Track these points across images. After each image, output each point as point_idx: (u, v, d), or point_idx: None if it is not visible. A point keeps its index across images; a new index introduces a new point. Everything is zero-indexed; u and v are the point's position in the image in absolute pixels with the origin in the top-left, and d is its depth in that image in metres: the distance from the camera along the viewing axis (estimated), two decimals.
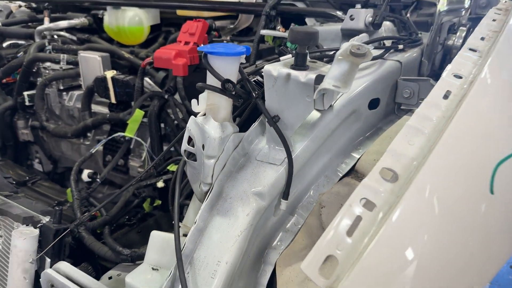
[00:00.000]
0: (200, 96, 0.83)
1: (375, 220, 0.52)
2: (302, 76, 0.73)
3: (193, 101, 0.82)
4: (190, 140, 0.86)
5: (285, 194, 0.83)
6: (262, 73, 0.79)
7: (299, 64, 0.75)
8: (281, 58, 0.85)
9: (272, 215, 0.85)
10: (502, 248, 0.54)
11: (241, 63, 0.81)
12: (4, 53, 1.87)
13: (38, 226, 0.92)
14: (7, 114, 1.87)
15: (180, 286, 0.76)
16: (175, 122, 1.41)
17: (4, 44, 2.01)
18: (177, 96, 1.39)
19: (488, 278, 0.52)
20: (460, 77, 0.77)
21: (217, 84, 0.78)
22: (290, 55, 0.84)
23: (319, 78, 0.73)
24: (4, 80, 1.88)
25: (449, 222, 0.53)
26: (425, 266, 0.49)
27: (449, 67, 0.80)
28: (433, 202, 0.53)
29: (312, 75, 0.72)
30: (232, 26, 1.62)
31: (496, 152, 0.59)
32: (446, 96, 0.72)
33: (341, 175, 0.92)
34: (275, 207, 0.84)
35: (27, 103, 1.76)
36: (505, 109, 0.68)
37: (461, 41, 1.14)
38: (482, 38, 0.95)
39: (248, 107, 0.92)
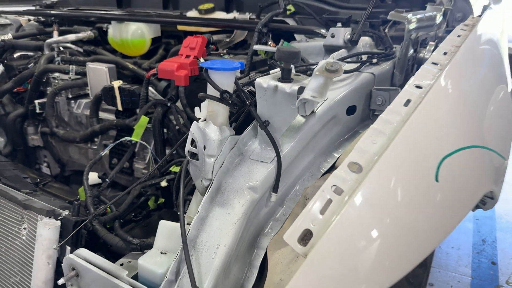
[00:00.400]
0: (202, 104, 0.97)
1: (342, 202, 0.66)
2: (287, 87, 0.87)
3: (196, 108, 0.96)
4: (192, 142, 0.99)
5: (275, 188, 0.96)
6: (255, 84, 0.94)
7: (285, 78, 0.89)
8: (270, 71, 0.99)
9: (264, 206, 0.98)
10: (444, 222, 0.68)
11: (236, 76, 0.95)
12: (15, 64, 2.00)
13: (59, 218, 1.05)
14: (18, 121, 2.00)
15: (185, 266, 0.89)
16: (177, 127, 1.55)
17: (15, 55, 2.14)
18: (178, 104, 1.53)
19: (434, 244, 0.66)
20: (420, 87, 0.92)
21: (217, 94, 0.92)
22: (278, 69, 0.98)
23: (302, 89, 0.87)
24: (14, 89, 2.01)
25: (401, 202, 0.67)
26: (379, 235, 0.63)
27: (412, 79, 0.94)
28: (388, 186, 0.67)
29: (295, 87, 0.87)
30: (228, 40, 1.77)
31: (442, 149, 0.73)
32: (407, 103, 0.86)
33: (323, 171, 1.06)
34: (266, 199, 0.98)
35: (37, 111, 1.89)
36: (451, 114, 0.82)
37: (429, 54, 1.29)
38: (445, 53, 1.10)
39: (242, 113, 1.06)
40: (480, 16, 1.57)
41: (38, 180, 1.77)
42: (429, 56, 1.30)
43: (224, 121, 0.98)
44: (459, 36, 1.26)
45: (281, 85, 0.88)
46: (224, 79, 0.93)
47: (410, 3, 1.75)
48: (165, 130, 1.59)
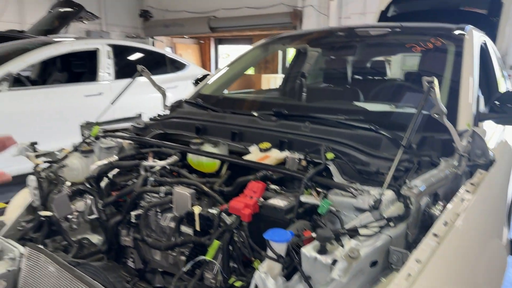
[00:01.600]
0: (263, 262, 1.40)
1: None
2: (323, 259, 1.28)
3: (259, 265, 1.40)
4: (255, 285, 1.41)
5: None
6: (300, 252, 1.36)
7: (322, 251, 1.31)
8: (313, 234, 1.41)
9: None
10: None
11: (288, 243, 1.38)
12: (118, 180, 2.64)
13: None
14: (115, 225, 2.57)
15: None
16: (238, 246, 1.99)
17: (114, 172, 2.79)
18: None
19: None
20: (420, 262, 1.28)
21: (274, 255, 1.35)
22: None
23: (334, 262, 1.28)
24: None
25: None
26: None
27: (413, 254, 1.31)
28: None
29: (329, 260, 1.27)
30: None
31: None
32: (407, 277, 1.23)
33: None
34: None
35: (132, 220, 2.45)
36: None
37: (438, 212, 1.63)
38: (445, 223, 1.46)
39: (291, 265, 1.47)
40: (487, 170, 1.90)
41: (129, 279, 2.27)
42: (437, 214, 1.64)
43: (278, 271, 1.40)
44: (463, 200, 1.61)
45: (319, 257, 1.30)
46: (280, 245, 1.37)
47: (431, 147, 2.11)
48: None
